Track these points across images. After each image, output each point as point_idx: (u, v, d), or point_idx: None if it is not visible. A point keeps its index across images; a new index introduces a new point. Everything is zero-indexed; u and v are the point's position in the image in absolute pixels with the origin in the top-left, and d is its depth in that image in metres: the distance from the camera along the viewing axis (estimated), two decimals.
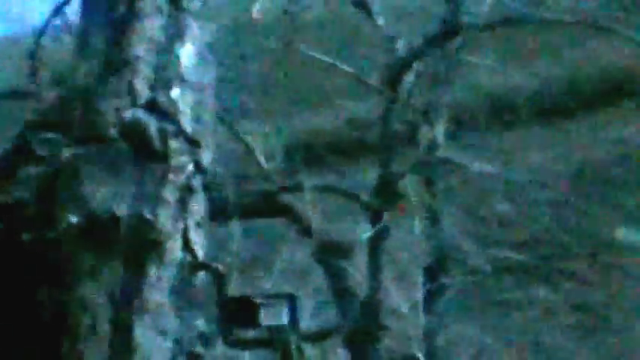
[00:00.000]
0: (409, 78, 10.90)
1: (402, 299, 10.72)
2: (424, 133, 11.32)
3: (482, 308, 13.51)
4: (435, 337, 11.14)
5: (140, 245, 4.38)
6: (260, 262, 11.12)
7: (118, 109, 4.51)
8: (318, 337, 8.73)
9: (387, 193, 10.84)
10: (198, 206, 4.57)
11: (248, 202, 10.31)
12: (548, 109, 14.62)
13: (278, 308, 4.66)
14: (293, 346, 4.53)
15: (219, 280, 4.53)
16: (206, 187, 4.61)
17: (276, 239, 11.25)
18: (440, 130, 11.49)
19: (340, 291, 10.59)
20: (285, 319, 4.65)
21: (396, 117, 11.07)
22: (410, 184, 10.99)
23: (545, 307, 14.20)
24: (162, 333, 4.30)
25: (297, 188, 10.55)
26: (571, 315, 14.29)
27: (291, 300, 4.61)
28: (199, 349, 4.42)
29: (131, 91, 4.53)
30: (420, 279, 11.07)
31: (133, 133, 4.49)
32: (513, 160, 14.41)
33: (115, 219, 4.35)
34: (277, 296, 4.67)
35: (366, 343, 10.03)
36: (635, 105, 15.69)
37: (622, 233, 15.28)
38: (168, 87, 4.62)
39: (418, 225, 11.20)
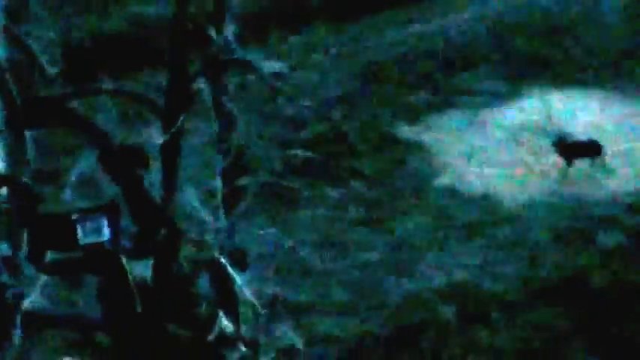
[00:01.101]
0: None
1: (199, 204, 10.12)
2: (215, 35, 10.64)
3: (277, 208, 13.24)
4: (233, 239, 10.64)
5: None
6: (51, 174, 10.27)
7: None
8: (136, 252, 7.98)
9: (180, 96, 10.14)
10: None
11: (34, 110, 9.31)
12: (336, 12, 14.36)
13: (97, 223, 3.89)
14: (125, 265, 3.80)
15: (25, 195, 3.74)
16: (2, 90, 3.78)
17: (66, 149, 10.38)
18: (230, 32, 10.83)
19: (135, 199, 9.82)
20: (105, 235, 3.90)
21: (186, 18, 10.31)
22: (202, 86, 10.33)
23: (334, 203, 14.10)
24: None
25: (86, 94, 9.66)
26: (358, 209, 14.21)
27: (113, 211, 3.85)
28: (5, 277, 3.63)
29: None
30: (217, 182, 10.49)
31: None
32: (303, 61, 14.06)
33: None
34: (96, 209, 3.91)
35: (168, 251, 9.37)
36: (411, 9, 15.70)
37: (402, 130, 15.38)
38: None
39: (212, 127, 10.58)
